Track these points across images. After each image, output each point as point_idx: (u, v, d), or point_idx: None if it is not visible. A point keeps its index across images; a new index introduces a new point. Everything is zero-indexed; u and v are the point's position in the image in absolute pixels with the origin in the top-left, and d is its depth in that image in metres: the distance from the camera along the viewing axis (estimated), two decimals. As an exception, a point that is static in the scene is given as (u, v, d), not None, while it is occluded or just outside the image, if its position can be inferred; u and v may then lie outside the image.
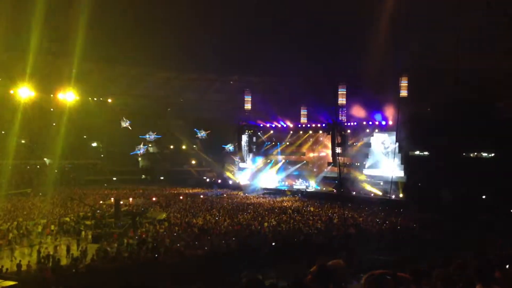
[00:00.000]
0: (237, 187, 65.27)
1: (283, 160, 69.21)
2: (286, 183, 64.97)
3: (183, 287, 18.26)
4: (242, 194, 57.63)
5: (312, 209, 42.48)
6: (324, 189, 60.14)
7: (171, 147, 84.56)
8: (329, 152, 62.11)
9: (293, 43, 61.62)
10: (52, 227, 30.58)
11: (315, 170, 65.71)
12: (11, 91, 63.20)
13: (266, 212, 39.22)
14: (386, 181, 52.72)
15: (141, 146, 78.70)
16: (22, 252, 25.15)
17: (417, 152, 56.07)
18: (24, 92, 62.23)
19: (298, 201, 49.88)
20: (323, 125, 63.61)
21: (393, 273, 4.56)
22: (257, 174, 69.13)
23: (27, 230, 29.36)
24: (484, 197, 42.66)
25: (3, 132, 63.26)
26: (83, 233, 29.36)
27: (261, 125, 70.97)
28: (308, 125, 67.12)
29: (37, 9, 46.06)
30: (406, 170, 52.28)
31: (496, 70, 46.68)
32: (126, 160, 75.98)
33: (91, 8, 48.57)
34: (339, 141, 57.22)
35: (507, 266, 6.88)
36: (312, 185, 61.75)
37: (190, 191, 61.25)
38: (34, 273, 19.73)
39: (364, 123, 58.87)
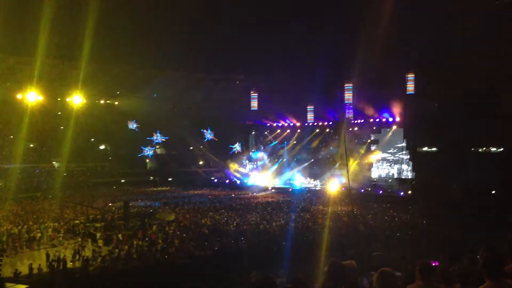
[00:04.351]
0: (245, 187, 65.22)
1: (290, 159, 69.13)
2: (294, 182, 64.85)
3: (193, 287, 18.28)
4: (250, 194, 57.59)
5: (320, 207, 42.39)
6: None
7: (179, 148, 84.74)
8: (337, 150, 62.01)
9: (298, 40, 61.45)
10: (62, 230, 30.79)
11: (322, 168, 65.61)
12: (19, 96, 63.60)
13: (275, 211, 39.21)
14: (394, 177, 52.56)
15: (149, 147, 78.88)
16: (33, 256, 25.32)
17: (425, 148, 55.90)
18: (32, 96, 62.59)
19: (306, 200, 49.78)
20: (330, 123, 63.53)
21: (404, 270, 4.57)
22: (264, 174, 69.14)
23: (37, 233, 29.53)
24: (493, 192, 42.40)
25: (11, 137, 63.63)
26: (93, 235, 29.56)
27: (268, 124, 70.99)
28: (315, 123, 66.99)
29: (44, 12, 46.26)
30: (414, 166, 52.07)
31: (505, 64, 46.27)
32: (134, 162, 76.20)
33: (97, 10, 48.70)
34: (346, 139, 57.00)
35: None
36: (320, 183, 61.57)
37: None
38: (45, 276, 19.86)
39: (371, 120, 58.69)
